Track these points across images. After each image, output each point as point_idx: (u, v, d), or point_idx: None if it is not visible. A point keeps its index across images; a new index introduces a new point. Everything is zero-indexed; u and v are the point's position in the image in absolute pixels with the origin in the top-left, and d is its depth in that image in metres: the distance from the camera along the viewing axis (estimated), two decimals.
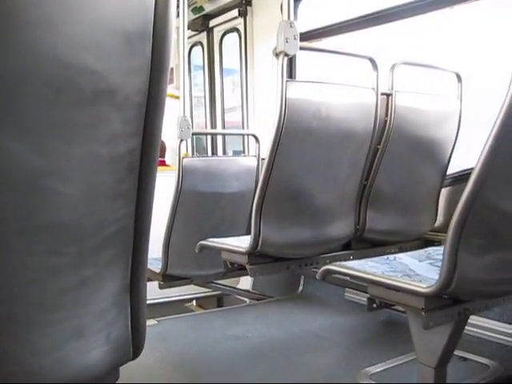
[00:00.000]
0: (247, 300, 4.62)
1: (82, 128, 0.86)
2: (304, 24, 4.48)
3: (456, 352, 2.12)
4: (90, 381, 1.04)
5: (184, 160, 3.44)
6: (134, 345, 1.10)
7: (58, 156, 0.85)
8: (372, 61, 2.79)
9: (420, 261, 2.19)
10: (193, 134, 3.56)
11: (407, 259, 2.22)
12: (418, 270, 2.04)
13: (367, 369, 2.67)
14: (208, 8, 5.45)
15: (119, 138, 0.91)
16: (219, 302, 5.46)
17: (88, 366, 1.02)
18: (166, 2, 0.90)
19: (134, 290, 1.05)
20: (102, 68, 0.85)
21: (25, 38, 0.77)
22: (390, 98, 2.85)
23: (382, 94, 2.81)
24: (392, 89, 2.85)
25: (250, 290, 4.67)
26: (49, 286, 0.92)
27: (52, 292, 0.93)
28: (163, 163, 5.65)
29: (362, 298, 3.51)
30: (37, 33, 0.77)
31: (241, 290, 4.68)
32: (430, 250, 2.40)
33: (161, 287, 3.62)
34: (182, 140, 3.45)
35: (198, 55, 5.96)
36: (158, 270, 3.55)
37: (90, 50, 0.83)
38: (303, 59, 4.63)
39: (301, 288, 4.31)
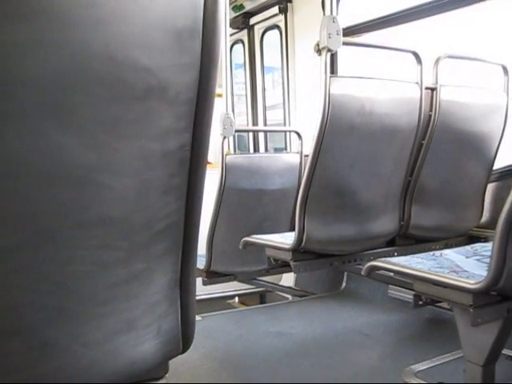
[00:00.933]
0: (290, 297, 4.61)
1: (134, 124, 0.88)
2: (344, 20, 4.44)
3: (504, 351, 2.09)
4: (141, 373, 1.06)
5: (227, 157, 3.46)
6: (184, 338, 1.10)
7: (110, 151, 0.86)
8: (416, 54, 2.76)
9: (467, 257, 2.16)
10: (236, 131, 3.57)
11: (454, 255, 2.19)
12: (465, 266, 2.01)
13: (412, 366, 2.64)
14: (248, 6, 5.47)
15: (170, 133, 0.92)
16: (261, 298, 5.46)
17: (138, 359, 1.03)
18: (215, 1, 0.91)
19: (184, 283, 1.06)
20: (153, 65, 0.86)
21: (78, 37, 0.78)
22: (435, 92, 2.81)
23: (426, 88, 2.77)
24: (436, 83, 2.81)
25: (293, 286, 4.66)
26: (100, 280, 0.93)
27: (103, 285, 0.94)
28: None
29: (406, 295, 3.48)
30: (89, 32, 0.79)
31: (284, 286, 4.68)
32: (477, 246, 2.37)
33: (204, 284, 3.65)
34: (224, 137, 3.47)
35: (239, 53, 5.98)
36: (201, 267, 3.58)
37: (141, 47, 0.84)
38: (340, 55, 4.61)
39: (344, 285, 4.29)
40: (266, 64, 5.75)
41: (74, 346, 0.93)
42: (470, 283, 1.74)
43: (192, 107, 0.93)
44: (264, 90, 5.76)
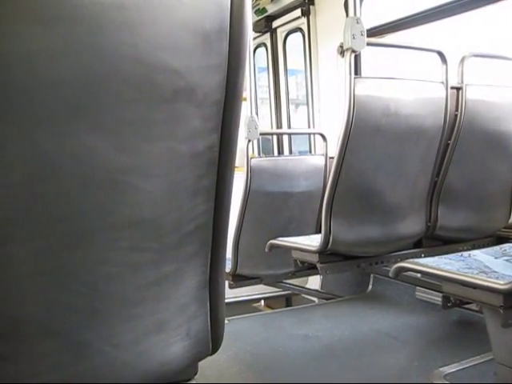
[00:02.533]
0: (316, 299, 4.61)
1: (162, 125, 0.88)
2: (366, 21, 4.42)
3: None
4: (171, 375, 1.06)
5: (252, 160, 3.47)
6: (213, 340, 1.11)
7: (139, 153, 0.87)
8: (441, 54, 2.74)
9: (496, 258, 2.13)
10: (260, 134, 3.58)
11: (482, 256, 2.17)
12: (494, 266, 1.99)
13: (441, 369, 2.61)
14: (271, 9, 5.47)
15: (198, 134, 0.93)
16: (287, 301, 5.46)
17: (169, 360, 1.03)
18: (241, 3, 0.91)
19: (213, 285, 1.07)
20: (182, 67, 0.87)
21: (107, 40, 0.79)
22: (460, 91, 2.79)
23: (452, 87, 2.75)
24: (462, 82, 2.79)
25: (319, 289, 4.65)
26: (130, 281, 0.94)
27: (134, 287, 0.95)
28: None
29: (434, 297, 3.45)
30: (118, 34, 0.80)
31: (310, 289, 4.67)
32: (506, 246, 2.34)
33: (231, 287, 3.66)
34: (249, 140, 3.48)
35: (262, 56, 5.99)
36: (227, 270, 3.59)
37: (169, 49, 0.85)
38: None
39: (370, 287, 4.27)
40: (289, 67, 5.75)
41: (106, 347, 0.94)
42: (500, 284, 1.72)
43: (220, 108, 0.94)
44: (288, 92, 5.76)
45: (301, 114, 5.79)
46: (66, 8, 0.75)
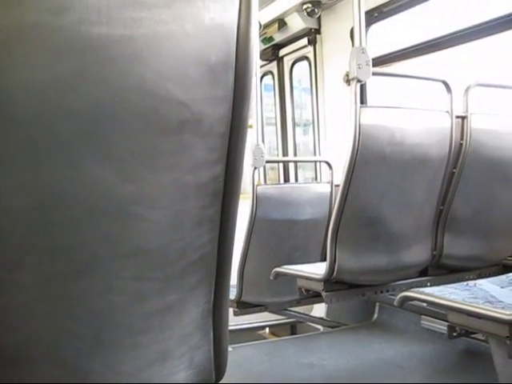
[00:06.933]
0: (321, 328, 4.58)
1: (168, 156, 0.89)
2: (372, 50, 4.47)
3: None
4: None
5: (258, 188, 3.48)
6: (217, 369, 1.10)
7: (146, 183, 0.88)
8: (445, 84, 2.76)
9: (502, 287, 2.12)
10: (266, 162, 3.60)
11: (488, 285, 2.16)
12: (500, 296, 1.98)
13: None
14: (278, 38, 5.53)
15: (204, 165, 0.94)
16: (292, 329, 5.43)
17: None
18: (247, 35, 0.92)
19: (217, 314, 1.07)
20: (188, 98, 0.88)
21: (116, 71, 0.80)
22: (465, 120, 2.80)
23: (457, 117, 2.77)
24: (467, 111, 2.80)
25: (324, 317, 4.62)
26: (135, 310, 0.94)
27: (138, 316, 0.95)
28: None
29: (440, 326, 3.43)
30: (126, 66, 0.81)
31: (315, 317, 4.64)
32: None
33: (235, 314, 3.64)
34: (255, 168, 3.49)
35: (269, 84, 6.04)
36: (232, 298, 3.58)
37: (176, 81, 0.86)
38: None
39: (376, 315, 4.24)
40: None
41: (110, 375, 0.93)
42: (506, 314, 1.71)
43: (225, 139, 0.95)
44: (294, 121, 5.80)
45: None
46: (77, 39, 0.76)
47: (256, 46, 0.94)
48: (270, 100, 6.08)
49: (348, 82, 2.37)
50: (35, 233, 0.81)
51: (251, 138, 3.54)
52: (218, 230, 1.00)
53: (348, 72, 2.38)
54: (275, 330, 5.41)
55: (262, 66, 5.78)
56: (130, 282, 0.92)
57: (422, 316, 3.73)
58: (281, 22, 5.26)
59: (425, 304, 3.10)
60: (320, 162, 5.09)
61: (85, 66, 0.78)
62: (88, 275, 0.87)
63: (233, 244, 1.04)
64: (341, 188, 2.44)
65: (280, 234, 3.63)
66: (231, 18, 0.91)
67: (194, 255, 0.98)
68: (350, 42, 4.44)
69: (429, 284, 2.91)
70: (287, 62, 5.73)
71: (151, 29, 0.83)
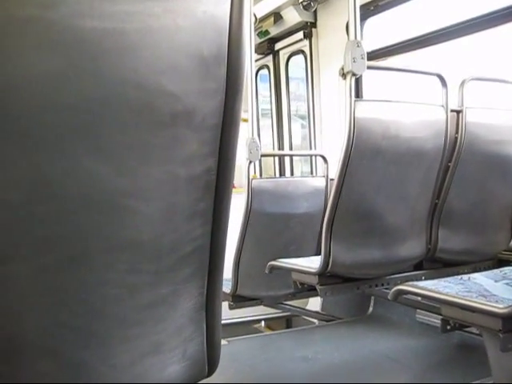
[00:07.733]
0: (316, 321, 4.58)
1: (161, 149, 0.89)
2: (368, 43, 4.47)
3: None
4: None
5: (253, 181, 3.47)
6: (210, 362, 1.10)
7: (138, 177, 0.88)
8: (440, 77, 2.76)
9: (496, 281, 2.13)
10: (262, 156, 3.59)
11: (482, 279, 2.16)
12: (493, 290, 1.98)
13: None
14: (273, 32, 5.51)
15: (196, 158, 0.94)
16: (288, 323, 5.44)
17: (165, 382, 1.03)
18: (239, 28, 0.93)
19: (210, 307, 1.07)
20: (180, 91, 0.88)
21: (108, 64, 0.80)
22: (460, 114, 2.80)
23: (452, 110, 2.77)
24: (462, 105, 2.80)
25: (320, 311, 4.63)
26: (128, 303, 0.94)
27: (132, 308, 0.95)
28: None
29: (435, 320, 3.43)
30: (119, 59, 0.81)
31: (310, 311, 4.65)
32: (506, 269, 2.33)
33: (231, 308, 3.64)
34: (250, 162, 3.49)
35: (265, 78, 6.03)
36: (228, 291, 3.58)
37: (168, 74, 0.86)
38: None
39: (371, 309, 4.25)
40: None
41: (103, 368, 0.94)
42: (499, 307, 1.72)
43: (217, 132, 0.95)
44: (290, 114, 5.79)
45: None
46: (70, 33, 0.76)
47: (248, 40, 0.94)
48: (266, 92, 6.08)
49: (343, 75, 2.36)
50: (28, 225, 0.81)
51: (247, 132, 3.54)
52: (211, 223, 1.00)
53: (343, 66, 2.37)
54: (271, 323, 5.42)
55: (257, 60, 5.77)
56: (122, 275, 0.92)
57: (417, 310, 3.74)
58: (276, 16, 5.25)
59: (419, 298, 3.11)
60: (316, 155, 5.09)
61: (77, 59, 0.78)
62: (80, 268, 0.87)
63: (226, 237, 1.04)
64: (335, 181, 2.44)
65: (275, 227, 3.63)
66: (223, 11, 0.91)
67: (186, 248, 0.98)
68: (346, 36, 4.43)
69: (423, 278, 2.91)
70: (283, 55, 5.71)
71: (143, 22, 0.83)
